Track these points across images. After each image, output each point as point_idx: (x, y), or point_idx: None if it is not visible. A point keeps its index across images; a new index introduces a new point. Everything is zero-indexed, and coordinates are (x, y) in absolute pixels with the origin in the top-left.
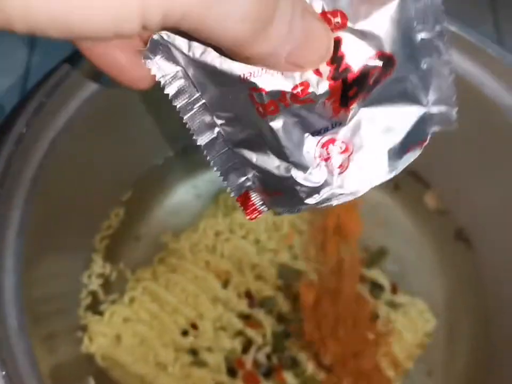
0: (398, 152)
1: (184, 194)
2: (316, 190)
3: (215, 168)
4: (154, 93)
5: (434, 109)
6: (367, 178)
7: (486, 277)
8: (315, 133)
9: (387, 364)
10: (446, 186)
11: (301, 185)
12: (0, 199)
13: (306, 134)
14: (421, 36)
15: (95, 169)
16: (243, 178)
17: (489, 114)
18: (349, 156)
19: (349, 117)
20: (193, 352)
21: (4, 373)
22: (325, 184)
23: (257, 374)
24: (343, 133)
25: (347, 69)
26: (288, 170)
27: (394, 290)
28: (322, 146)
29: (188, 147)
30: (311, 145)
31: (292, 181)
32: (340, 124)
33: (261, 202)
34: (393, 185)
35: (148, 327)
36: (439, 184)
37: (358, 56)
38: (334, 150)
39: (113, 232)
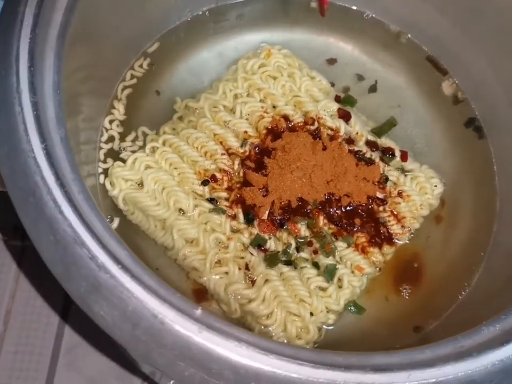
0: None
1: (208, 56)
2: None
3: None
4: None
5: None
6: None
7: (496, 163)
8: None
9: (395, 223)
10: (464, 75)
11: None
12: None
13: None
14: None
15: (127, 8)
16: None
17: None
18: None
19: None
20: (213, 200)
21: (44, 145)
22: None
23: (273, 223)
24: None
25: None
26: None
27: (404, 158)
28: None
29: (219, 8)
30: None
31: None
32: None
33: None
34: (412, 71)
35: (169, 176)
36: (457, 73)
37: None
38: None
39: (136, 83)
